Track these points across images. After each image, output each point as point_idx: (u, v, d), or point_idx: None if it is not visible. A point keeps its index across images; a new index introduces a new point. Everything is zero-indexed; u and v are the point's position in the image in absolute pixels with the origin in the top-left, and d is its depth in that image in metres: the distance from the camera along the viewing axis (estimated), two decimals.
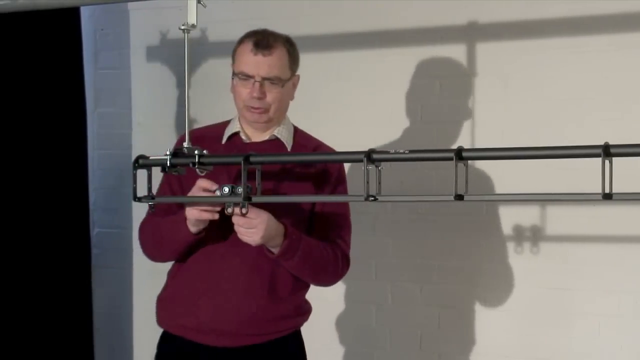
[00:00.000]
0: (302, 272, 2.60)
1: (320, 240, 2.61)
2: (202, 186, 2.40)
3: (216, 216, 2.42)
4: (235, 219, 2.41)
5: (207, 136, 2.65)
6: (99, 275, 4.38)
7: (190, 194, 2.45)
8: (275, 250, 2.50)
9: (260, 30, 2.62)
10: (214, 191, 2.35)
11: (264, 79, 2.55)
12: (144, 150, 2.43)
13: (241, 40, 2.62)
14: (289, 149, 2.65)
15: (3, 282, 3.75)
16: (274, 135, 2.66)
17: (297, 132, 2.73)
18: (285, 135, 2.67)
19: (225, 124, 2.73)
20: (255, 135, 2.67)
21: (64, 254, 4.05)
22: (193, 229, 2.49)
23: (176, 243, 2.57)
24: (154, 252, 2.70)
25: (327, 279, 2.71)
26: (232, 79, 2.63)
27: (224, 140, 2.66)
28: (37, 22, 3.75)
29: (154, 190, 2.40)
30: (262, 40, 2.56)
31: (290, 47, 2.62)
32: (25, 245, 3.85)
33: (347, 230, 2.72)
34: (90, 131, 4.33)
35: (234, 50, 2.64)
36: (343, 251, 2.67)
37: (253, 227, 2.40)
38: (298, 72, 2.69)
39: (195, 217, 2.43)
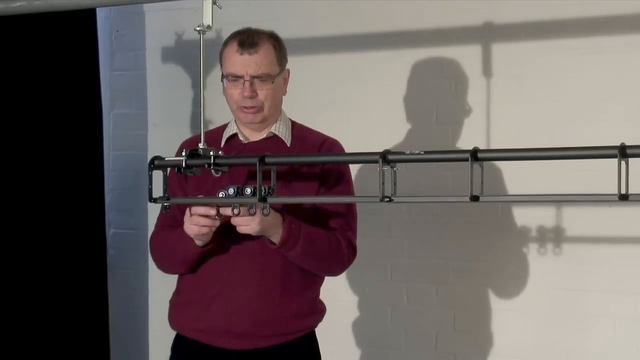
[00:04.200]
0: (306, 261, 2.56)
1: (324, 229, 2.59)
2: (199, 213, 2.39)
3: (217, 223, 2.41)
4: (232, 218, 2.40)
5: (205, 141, 2.63)
6: (114, 276, 4.39)
7: (186, 220, 2.44)
8: (276, 240, 2.48)
9: (243, 29, 2.62)
10: (217, 193, 2.31)
11: (253, 77, 2.54)
12: (160, 151, 2.44)
13: (226, 42, 2.61)
14: (288, 145, 2.64)
15: (19, 283, 3.76)
16: (272, 132, 2.65)
17: (295, 126, 2.72)
18: (283, 131, 2.66)
19: (223, 127, 2.73)
20: (253, 135, 2.66)
21: (79, 254, 4.06)
22: (198, 242, 2.49)
23: (186, 257, 2.57)
24: (166, 266, 2.70)
25: (332, 268, 2.69)
26: (222, 81, 2.62)
27: (222, 143, 2.65)
28: (53, 24, 3.75)
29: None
30: (247, 39, 2.55)
31: (275, 42, 2.61)
32: (41, 246, 3.86)
33: (352, 218, 2.69)
34: (106, 132, 4.34)
35: (220, 53, 2.63)
36: (348, 238, 2.63)
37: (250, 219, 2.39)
38: (288, 67, 2.67)
39: (195, 232, 2.44)
